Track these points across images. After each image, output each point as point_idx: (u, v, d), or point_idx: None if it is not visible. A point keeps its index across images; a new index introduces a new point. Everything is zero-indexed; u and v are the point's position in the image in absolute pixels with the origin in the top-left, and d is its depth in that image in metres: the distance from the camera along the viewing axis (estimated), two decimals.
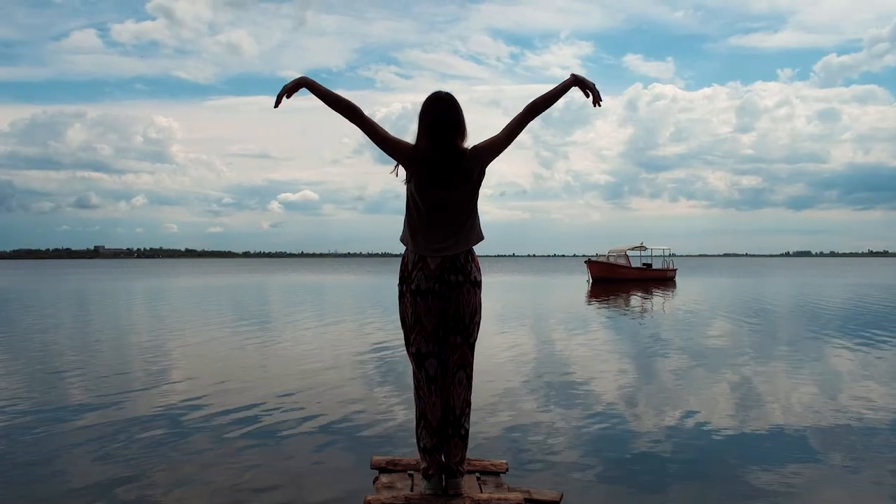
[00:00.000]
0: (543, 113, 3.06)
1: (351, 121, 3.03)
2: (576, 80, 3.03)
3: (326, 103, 3.03)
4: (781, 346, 10.43)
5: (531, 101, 3.06)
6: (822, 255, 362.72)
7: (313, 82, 3.02)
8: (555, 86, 3.05)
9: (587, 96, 3.05)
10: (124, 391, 6.91)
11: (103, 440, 5.05)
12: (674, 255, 40.14)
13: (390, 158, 3.05)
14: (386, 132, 3.05)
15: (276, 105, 3.01)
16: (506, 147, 3.08)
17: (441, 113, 3.01)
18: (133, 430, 5.35)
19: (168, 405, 6.23)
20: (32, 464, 4.52)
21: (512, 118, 3.08)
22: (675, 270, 38.70)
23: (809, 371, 8.13)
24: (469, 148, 3.04)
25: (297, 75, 3.03)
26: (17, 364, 8.85)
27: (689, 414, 5.89)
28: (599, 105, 3.07)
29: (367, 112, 3.02)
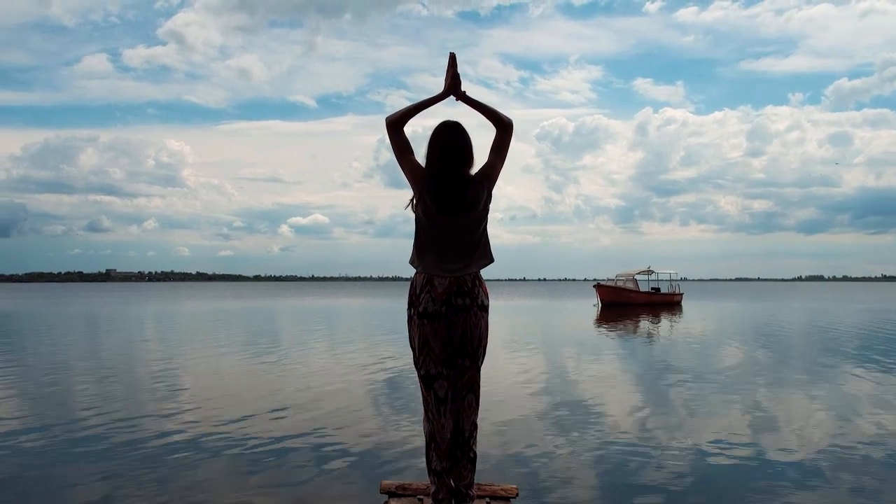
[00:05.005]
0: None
1: (397, 130, 3.07)
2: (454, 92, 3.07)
3: (410, 116, 3.07)
4: (791, 373, 10.33)
5: (496, 114, 3.07)
6: (834, 279, 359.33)
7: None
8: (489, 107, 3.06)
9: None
10: (135, 413, 6.94)
11: (113, 461, 5.07)
12: (683, 279, 39.83)
13: (401, 183, 3.11)
14: (413, 154, 3.11)
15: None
16: (502, 166, 3.13)
17: (449, 142, 3.06)
18: (142, 451, 5.38)
19: (178, 427, 6.25)
20: (40, 486, 4.54)
21: (494, 137, 3.10)
22: (681, 295, 38.46)
23: (822, 398, 8.05)
24: (475, 174, 3.09)
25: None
26: (30, 386, 8.92)
27: (701, 441, 5.85)
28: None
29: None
